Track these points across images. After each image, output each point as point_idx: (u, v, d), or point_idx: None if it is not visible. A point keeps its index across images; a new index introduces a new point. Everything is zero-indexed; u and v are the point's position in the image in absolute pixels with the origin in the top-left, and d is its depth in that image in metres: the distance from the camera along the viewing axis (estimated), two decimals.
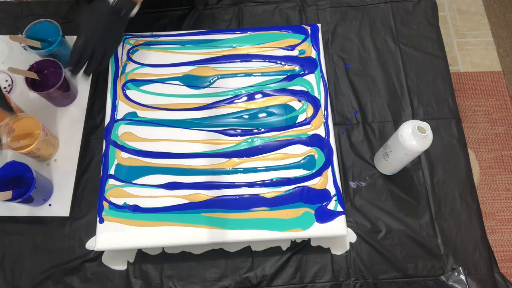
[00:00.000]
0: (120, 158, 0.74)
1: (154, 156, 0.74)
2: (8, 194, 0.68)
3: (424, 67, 0.87)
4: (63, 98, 0.81)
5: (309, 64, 0.81)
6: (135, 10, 0.73)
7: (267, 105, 0.78)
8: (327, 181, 0.72)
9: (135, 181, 0.72)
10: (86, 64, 0.72)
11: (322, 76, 0.80)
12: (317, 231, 0.68)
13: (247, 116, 0.77)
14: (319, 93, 0.79)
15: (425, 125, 0.64)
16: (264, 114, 0.78)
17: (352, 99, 0.84)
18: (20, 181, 0.75)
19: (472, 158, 1.39)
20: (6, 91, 0.84)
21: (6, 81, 0.85)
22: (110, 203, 0.71)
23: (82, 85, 0.84)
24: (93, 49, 0.71)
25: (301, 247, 0.73)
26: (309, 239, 0.73)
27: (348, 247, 0.74)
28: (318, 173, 0.73)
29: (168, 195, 0.71)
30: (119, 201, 0.71)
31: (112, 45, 0.75)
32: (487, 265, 0.73)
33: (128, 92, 0.79)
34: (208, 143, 0.75)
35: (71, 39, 0.88)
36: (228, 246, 0.74)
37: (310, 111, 0.78)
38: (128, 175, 0.73)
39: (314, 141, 0.75)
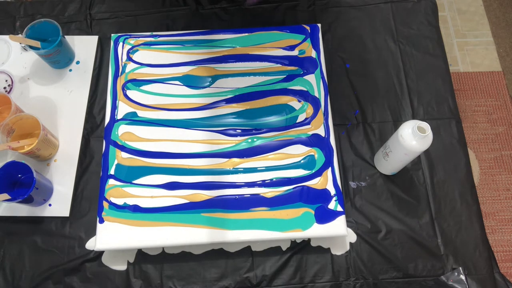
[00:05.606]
0: (120, 158, 0.74)
1: (154, 156, 0.74)
2: (4, 195, 0.68)
3: (424, 67, 0.87)
4: None
5: (309, 64, 0.81)
6: None
7: (267, 105, 0.78)
8: (327, 181, 0.72)
9: (135, 181, 0.72)
10: None
11: (322, 76, 0.80)
12: (317, 231, 0.68)
13: (247, 116, 0.77)
14: (319, 93, 0.79)
15: (425, 125, 0.64)
16: (264, 114, 0.78)
17: (352, 99, 0.84)
18: (20, 181, 0.75)
19: (472, 158, 1.39)
20: (6, 91, 0.84)
21: (6, 81, 0.85)
22: (110, 203, 0.71)
23: (82, 85, 0.84)
24: None
25: (301, 247, 0.73)
26: (309, 239, 0.73)
27: (348, 247, 0.73)
28: (318, 173, 0.73)
29: (168, 195, 0.71)
30: (119, 201, 0.71)
31: None
32: (487, 265, 0.73)
33: (128, 92, 0.79)
34: (208, 143, 0.75)
35: (71, 39, 0.88)
36: (228, 246, 0.73)
37: (310, 111, 0.77)
38: (128, 175, 0.73)
39: (314, 141, 0.75)
